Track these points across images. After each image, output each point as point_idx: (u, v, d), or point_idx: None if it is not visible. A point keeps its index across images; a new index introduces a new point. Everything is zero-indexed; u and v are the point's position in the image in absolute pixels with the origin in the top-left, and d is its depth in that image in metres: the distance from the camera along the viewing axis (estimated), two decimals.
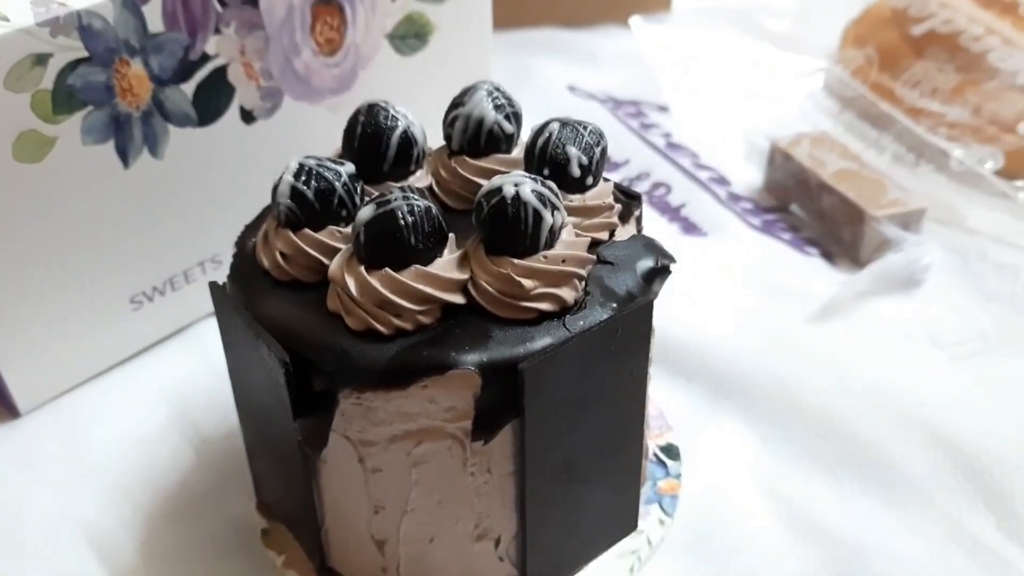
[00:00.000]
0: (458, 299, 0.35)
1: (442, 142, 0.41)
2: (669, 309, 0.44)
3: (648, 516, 0.44)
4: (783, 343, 0.53)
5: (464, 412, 0.34)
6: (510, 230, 0.34)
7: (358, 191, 0.37)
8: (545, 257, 0.34)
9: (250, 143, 0.53)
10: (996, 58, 0.67)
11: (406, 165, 0.40)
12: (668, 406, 0.50)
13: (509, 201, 0.34)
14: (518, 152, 0.40)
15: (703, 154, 0.71)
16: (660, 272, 0.38)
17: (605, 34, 0.87)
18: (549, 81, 0.80)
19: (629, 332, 0.36)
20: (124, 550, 0.44)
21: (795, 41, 0.82)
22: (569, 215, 0.37)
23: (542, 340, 0.34)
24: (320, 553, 0.40)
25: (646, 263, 0.37)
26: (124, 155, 0.48)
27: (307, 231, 0.36)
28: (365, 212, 0.34)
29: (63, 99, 0.45)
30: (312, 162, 0.37)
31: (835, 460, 0.47)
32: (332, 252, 0.36)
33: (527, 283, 0.34)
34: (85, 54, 0.45)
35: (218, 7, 0.49)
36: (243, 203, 0.44)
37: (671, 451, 0.47)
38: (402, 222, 0.34)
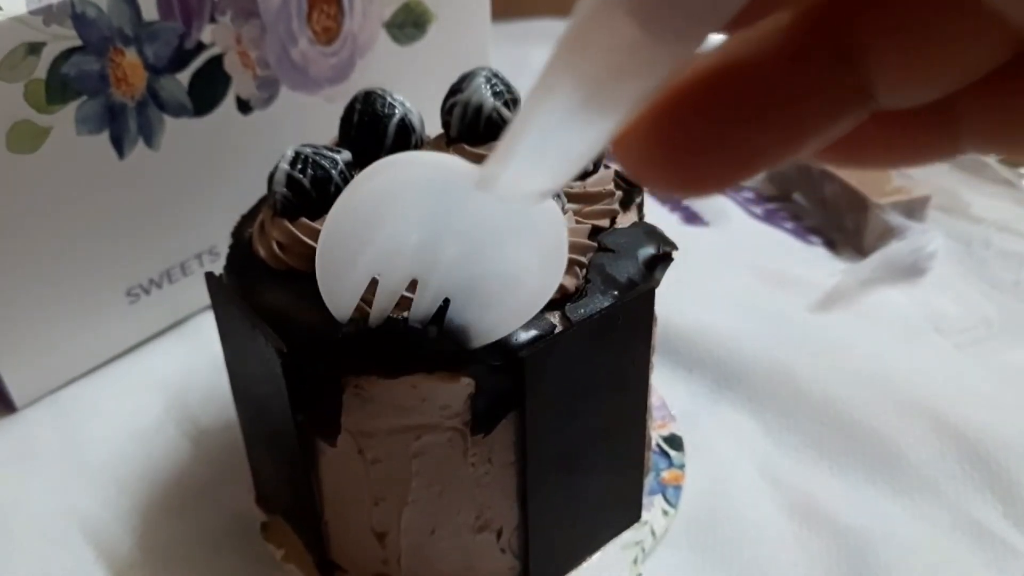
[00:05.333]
0: None
1: (441, 132, 0.41)
2: (671, 299, 0.44)
3: (652, 507, 0.43)
4: (786, 332, 0.53)
5: (459, 411, 0.34)
6: None
7: None
8: None
9: (247, 133, 0.52)
10: None
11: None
12: (671, 396, 0.49)
13: None
14: None
15: None
16: (662, 259, 0.37)
17: None
18: None
19: (631, 320, 0.35)
20: (122, 544, 0.44)
21: None
22: (569, 201, 0.36)
23: (542, 328, 0.33)
24: (320, 546, 0.40)
25: (647, 250, 0.37)
26: (119, 146, 0.48)
27: (304, 220, 0.36)
28: None
29: (57, 89, 0.44)
30: (308, 150, 0.36)
31: (839, 449, 0.46)
32: None
33: None
34: (79, 43, 0.44)
35: None
36: (240, 194, 0.43)
37: (674, 441, 0.46)
38: None
